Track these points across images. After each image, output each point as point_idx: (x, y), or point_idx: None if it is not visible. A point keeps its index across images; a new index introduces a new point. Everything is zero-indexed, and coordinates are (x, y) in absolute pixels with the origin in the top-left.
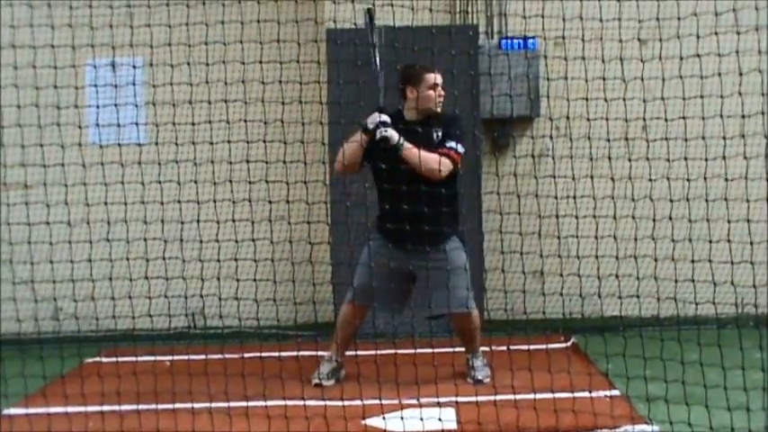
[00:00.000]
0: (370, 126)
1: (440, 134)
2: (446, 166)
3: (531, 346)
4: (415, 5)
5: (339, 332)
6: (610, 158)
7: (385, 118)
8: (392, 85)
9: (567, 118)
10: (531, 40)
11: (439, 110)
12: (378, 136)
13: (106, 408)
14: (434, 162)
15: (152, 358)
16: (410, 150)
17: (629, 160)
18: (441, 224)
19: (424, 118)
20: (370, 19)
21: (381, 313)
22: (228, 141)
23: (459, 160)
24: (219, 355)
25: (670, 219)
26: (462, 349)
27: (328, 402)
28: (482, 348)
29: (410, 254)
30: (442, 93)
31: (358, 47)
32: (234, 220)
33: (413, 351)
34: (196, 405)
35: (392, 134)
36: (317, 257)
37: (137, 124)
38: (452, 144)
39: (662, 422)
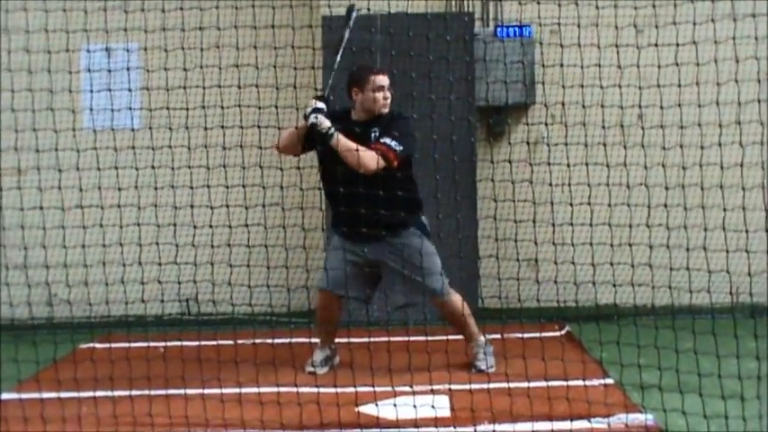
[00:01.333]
0: (307, 111)
1: (377, 133)
2: (372, 160)
3: (525, 334)
4: None
5: (320, 322)
6: (605, 145)
7: (320, 105)
8: (388, 69)
9: (563, 105)
10: (526, 28)
11: (385, 111)
12: (309, 121)
13: (99, 393)
14: (363, 157)
15: (145, 344)
16: (339, 141)
17: (625, 147)
18: (391, 216)
19: (369, 118)
20: (348, 15)
21: (355, 302)
22: (222, 127)
23: (393, 157)
24: (212, 342)
25: (665, 206)
26: (457, 336)
27: (321, 389)
28: (482, 336)
29: (367, 248)
30: (388, 95)
31: (353, 33)
32: (227, 206)
33: (406, 338)
34: (189, 391)
35: (322, 121)
36: (310, 244)
37: (131, 109)
38: (386, 140)
39: (656, 410)
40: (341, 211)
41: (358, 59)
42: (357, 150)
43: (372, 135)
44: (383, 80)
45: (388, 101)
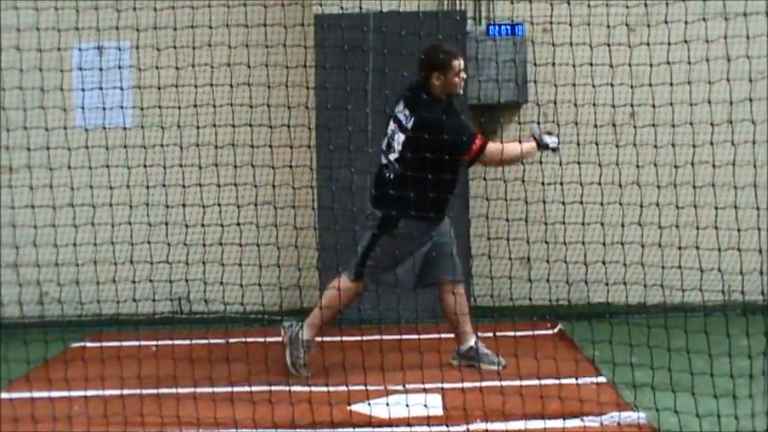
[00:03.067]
0: (549, 143)
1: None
2: None
3: (518, 333)
4: None
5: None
6: (597, 144)
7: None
8: (377, 68)
9: (555, 104)
10: (518, 26)
11: (461, 92)
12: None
13: (90, 392)
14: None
15: (136, 343)
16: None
17: (617, 146)
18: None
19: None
20: None
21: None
22: (215, 125)
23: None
24: (204, 341)
25: (657, 205)
26: (449, 335)
27: (313, 388)
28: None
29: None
30: (464, 76)
31: (345, 32)
32: (219, 205)
33: (399, 337)
34: (181, 390)
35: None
36: (302, 242)
37: (122, 108)
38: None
39: (648, 409)
40: (447, 198)
41: (350, 58)
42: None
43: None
44: (462, 64)
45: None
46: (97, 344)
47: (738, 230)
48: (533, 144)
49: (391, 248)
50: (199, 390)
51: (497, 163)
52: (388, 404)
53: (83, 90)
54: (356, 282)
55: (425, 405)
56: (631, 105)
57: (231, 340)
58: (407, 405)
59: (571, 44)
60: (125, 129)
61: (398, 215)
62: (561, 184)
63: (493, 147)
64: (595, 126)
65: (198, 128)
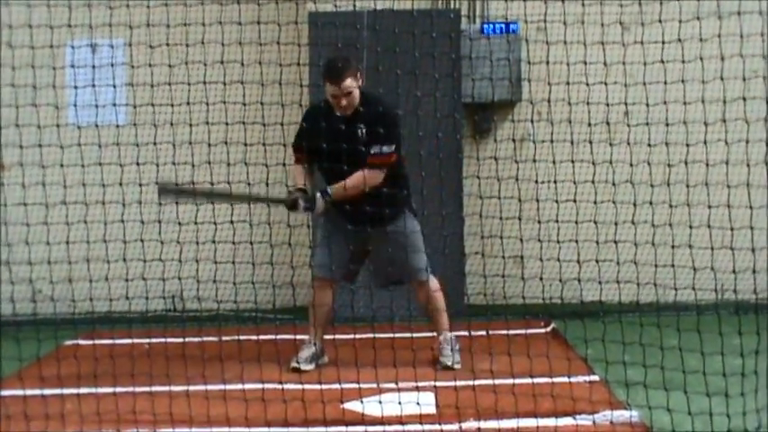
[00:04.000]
0: (301, 209)
1: (363, 130)
2: (375, 178)
3: (511, 331)
4: None
5: (312, 314)
6: (591, 143)
7: (307, 204)
8: (371, 66)
9: (549, 102)
10: (513, 25)
11: (348, 112)
12: (306, 212)
13: (83, 390)
14: (368, 181)
15: (129, 341)
16: (339, 193)
17: (611, 145)
18: (382, 207)
19: (352, 113)
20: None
21: (341, 280)
22: (208, 123)
23: (389, 160)
24: (197, 338)
25: (651, 203)
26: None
27: (306, 386)
28: (456, 333)
29: (366, 232)
30: (344, 102)
31: (339, 30)
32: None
33: (391, 335)
34: (173, 388)
35: (318, 206)
36: (296, 240)
37: (115, 105)
38: (377, 149)
39: (641, 407)
40: (344, 209)
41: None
42: (359, 183)
43: (359, 131)
44: (334, 90)
45: (348, 106)
46: (90, 342)
47: (731, 229)
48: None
49: None
50: (192, 388)
51: None
52: (380, 402)
53: (75, 87)
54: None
55: (418, 403)
56: (625, 104)
57: (224, 338)
58: (400, 403)
59: (565, 42)
60: (118, 126)
61: None
62: (555, 182)
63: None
64: (589, 124)
65: (191, 125)
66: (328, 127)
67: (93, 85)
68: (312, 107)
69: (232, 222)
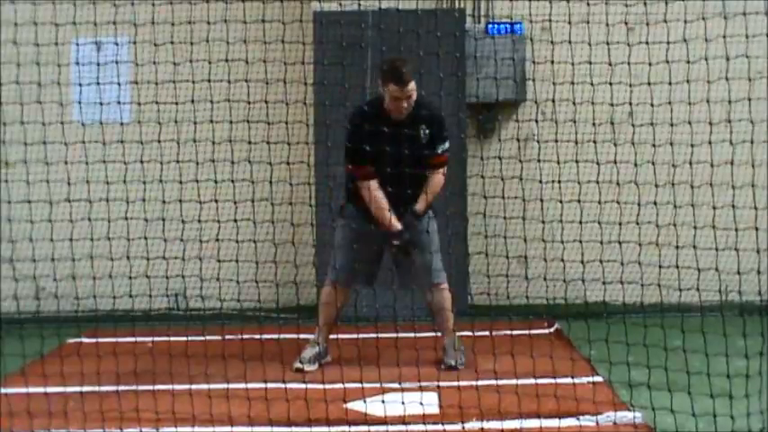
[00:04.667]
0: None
1: (426, 132)
2: (443, 179)
3: (514, 331)
4: None
5: (321, 315)
6: (595, 143)
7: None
8: (375, 65)
9: (553, 102)
10: (517, 25)
11: (403, 115)
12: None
13: (86, 388)
14: (441, 181)
15: (132, 339)
16: (421, 205)
17: (615, 145)
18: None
19: (407, 117)
20: None
21: (362, 288)
22: (212, 121)
23: (447, 158)
24: (200, 337)
25: (655, 204)
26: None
27: (309, 385)
28: (459, 333)
29: (382, 233)
30: (403, 106)
31: (344, 29)
32: (216, 201)
33: (395, 335)
34: (176, 386)
35: (411, 223)
36: (299, 239)
37: (120, 103)
38: (442, 148)
39: (644, 408)
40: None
41: (349, 55)
42: (437, 188)
43: (422, 132)
44: (398, 93)
45: (408, 108)
46: (93, 339)
47: (736, 230)
48: (389, 222)
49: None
50: (195, 386)
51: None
52: (383, 402)
53: (80, 85)
54: None
55: (421, 403)
56: (630, 104)
57: (227, 337)
58: (403, 403)
59: (570, 42)
60: (122, 124)
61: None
62: (559, 182)
63: (362, 186)
64: (594, 124)
65: (195, 124)
66: (389, 131)
67: (98, 83)
68: (360, 114)
69: (236, 221)
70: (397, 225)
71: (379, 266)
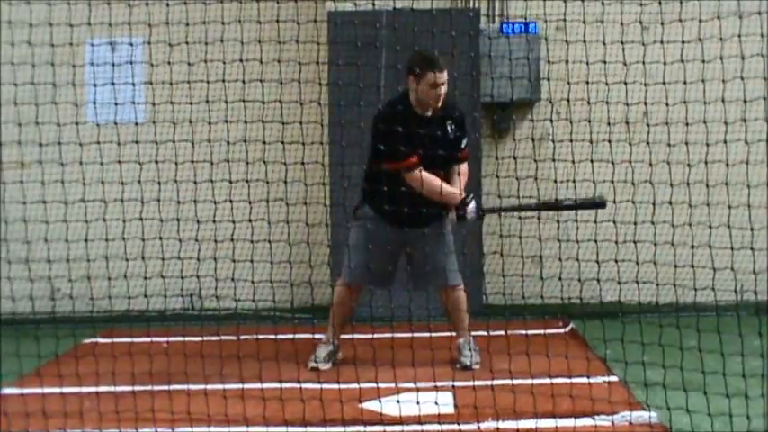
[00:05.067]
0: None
1: (453, 128)
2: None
3: (529, 331)
4: None
5: (335, 314)
6: (610, 142)
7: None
8: (390, 65)
9: (568, 101)
10: (532, 24)
11: (439, 105)
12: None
13: (101, 388)
14: (467, 174)
15: (148, 339)
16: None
17: (630, 144)
18: (438, 206)
19: (435, 112)
20: None
21: (377, 289)
22: (226, 121)
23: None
24: (215, 337)
25: (670, 204)
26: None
27: (324, 385)
28: (473, 333)
29: (407, 234)
30: (441, 93)
31: (358, 28)
32: (231, 201)
33: (410, 335)
34: (191, 387)
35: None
36: (314, 239)
37: (134, 103)
38: (465, 143)
39: (660, 408)
40: (393, 193)
41: (363, 55)
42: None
43: (449, 128)
44: (437, 79)
45: (442, 96)
46: (108, 340)
47: (751, 229)
48: (457, 201)
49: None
50: (210, 386)
51: (419, 189)
52: (399, 402)
53: (95, 85)
54: None
55: (436, 403)
56: (645, 103)
57: (242, 337)
58: (418, 403)
59: (584, 42)
60: (137, 124)
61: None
62: (574, 182)
63: (413, 176)
64: (608, 124)
65: (210, 124)
66: (423, 127)
67: (113, 83)
68: (392, 110)
69: (250, 221)
70: (463, 194)
71: (396, 268)
